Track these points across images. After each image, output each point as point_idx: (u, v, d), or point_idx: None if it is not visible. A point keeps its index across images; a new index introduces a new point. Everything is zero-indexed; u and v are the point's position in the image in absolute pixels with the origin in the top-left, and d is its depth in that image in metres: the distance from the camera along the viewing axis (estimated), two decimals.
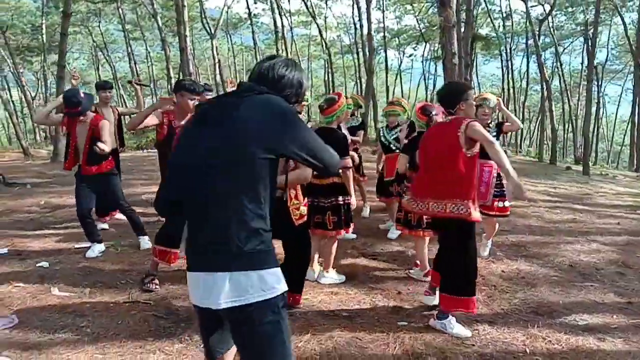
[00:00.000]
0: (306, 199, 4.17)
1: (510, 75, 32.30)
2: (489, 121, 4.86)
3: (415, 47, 35.85)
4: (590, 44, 18.65)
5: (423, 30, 30.60)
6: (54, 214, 6.91)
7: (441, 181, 3.35)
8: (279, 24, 27.31)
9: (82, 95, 4.70)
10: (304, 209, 3.67)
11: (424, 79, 37.45)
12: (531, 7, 25.49)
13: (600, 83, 33.49)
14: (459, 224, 3.35)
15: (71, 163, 5.02)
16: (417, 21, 30.97)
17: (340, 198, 4.25)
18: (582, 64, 32.39)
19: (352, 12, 29.87)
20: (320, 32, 28.53)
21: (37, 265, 4.65)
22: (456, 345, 3.29)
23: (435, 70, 37.22)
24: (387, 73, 33.25)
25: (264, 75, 1.80)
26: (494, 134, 4.81)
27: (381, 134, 6.12)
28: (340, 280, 4.43)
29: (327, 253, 4.43)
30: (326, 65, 36.73)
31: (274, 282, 1.67)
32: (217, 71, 23.49)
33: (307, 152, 1.70)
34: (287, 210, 3.49)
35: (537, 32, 21.90)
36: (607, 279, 4.68)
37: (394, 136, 5.85)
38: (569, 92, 32.48)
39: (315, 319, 3.63)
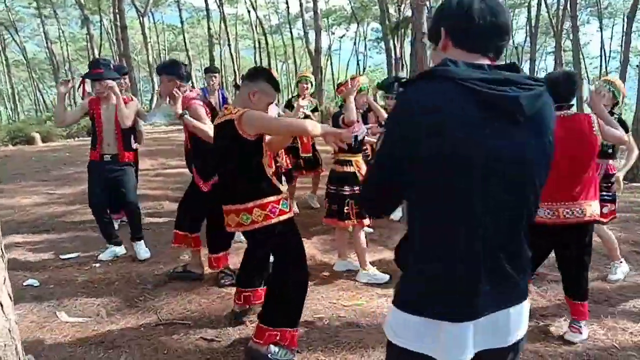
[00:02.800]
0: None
1: None
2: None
3: (347, 27, 35.78)
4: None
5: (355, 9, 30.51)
6: (22, 216, 5.95)
7: (576, 183, 2.98)
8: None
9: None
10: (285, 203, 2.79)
11: (356, 59, 37.53)
12: None
13: (520, 63, 35.17)
14: (587, 229, 3.08)
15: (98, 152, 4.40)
16: (350, 1, 30.79)
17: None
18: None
19: None
20: (254, 7, 27.53)
21: (25, 284, 3.90)
22: (547, 347, 3.08)
23: (366, 49, 37.58)
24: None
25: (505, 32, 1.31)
26: None
27: None
28: (383, 280, 4.03)
29: (358, 246, 4.08)
30: (257, 46, 35.72)
31: None
32: (147, 51, 21.92)
33: None
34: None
35: None
36: (628, 258, 4.67)
37: None
38: None
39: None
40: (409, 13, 23.73)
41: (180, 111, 3.57)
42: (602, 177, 4.05)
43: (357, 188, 3.90)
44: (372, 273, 4.06)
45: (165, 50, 44.04)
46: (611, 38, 35.46)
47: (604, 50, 32.65)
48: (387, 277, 4.04)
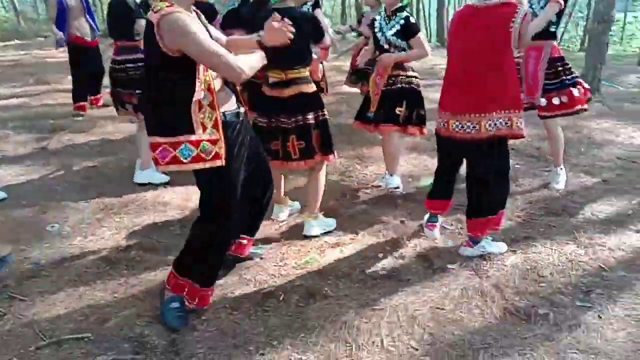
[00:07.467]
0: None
1: None
2: None
3: None
4: None
5: None
6: None
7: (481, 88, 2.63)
8: None
9: None
10: None
11: None
12: None
13: None
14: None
15: None
16: None
17: (311, 115, 3.00)
18: None
19: None
20: None
21: None
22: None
23: None
24: None
25: None
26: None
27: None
28: (332, 227, 3.28)
29: (313, 190, 3.20)
30: None
31: None
32: None
33: None
34: None
35: None
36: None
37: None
38: None
39: (358, 290, 2.60)
40: None
41: None
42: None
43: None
44: (321, 220, 3.27)
45: None
46: None
47: None
48: (334, 221, 3.33)
